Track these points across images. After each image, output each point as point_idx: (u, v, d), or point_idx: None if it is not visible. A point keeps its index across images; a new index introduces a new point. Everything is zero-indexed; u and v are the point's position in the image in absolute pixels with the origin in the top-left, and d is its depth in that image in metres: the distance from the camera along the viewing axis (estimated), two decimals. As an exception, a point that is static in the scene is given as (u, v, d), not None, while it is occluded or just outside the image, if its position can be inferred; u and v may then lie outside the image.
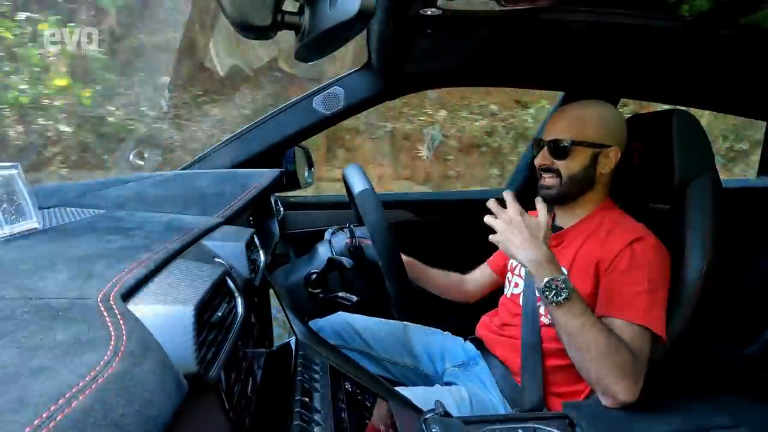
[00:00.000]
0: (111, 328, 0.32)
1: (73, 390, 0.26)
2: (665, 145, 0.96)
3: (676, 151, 0.94)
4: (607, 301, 0.86)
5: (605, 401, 0.81)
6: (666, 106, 1.30)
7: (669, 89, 1.32)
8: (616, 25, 0.96)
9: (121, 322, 0.33)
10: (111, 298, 0.35)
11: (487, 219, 0.86)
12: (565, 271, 0.96)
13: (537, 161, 0.99)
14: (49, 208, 0.68)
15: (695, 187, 0.93)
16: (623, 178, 1.02)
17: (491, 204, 0.87)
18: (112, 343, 0.31)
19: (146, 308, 0.37)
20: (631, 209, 1.01)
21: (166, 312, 0.36)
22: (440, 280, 1.20)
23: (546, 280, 0.79)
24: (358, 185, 0.87)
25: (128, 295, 0.37)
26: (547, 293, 0.79)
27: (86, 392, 0.26)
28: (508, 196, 0.86)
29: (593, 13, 0.93)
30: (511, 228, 0.82)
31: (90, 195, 0.75)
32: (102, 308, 0.34)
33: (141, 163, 1.39)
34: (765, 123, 1.77)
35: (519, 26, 0.87)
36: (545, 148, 0.98)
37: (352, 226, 1.00)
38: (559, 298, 0.78)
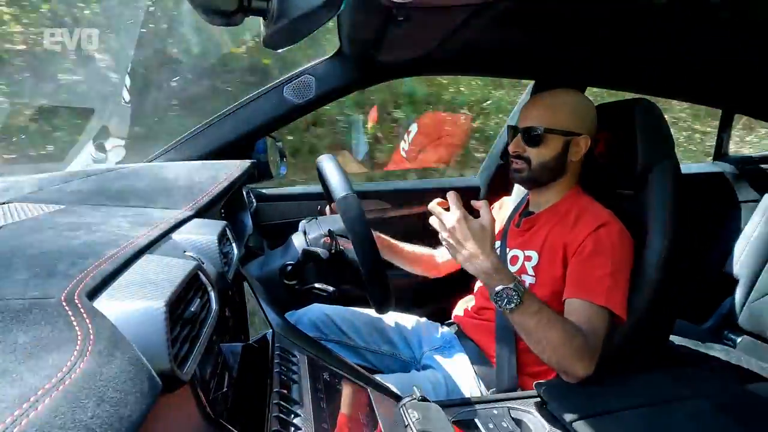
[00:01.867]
0: (77, 328, 0.31)
1: (39, 393, 0.25)
2: (629, 133, 1.00)
3: (639, 138, 0.98)
4: (573, 283, 0.90)
5: (566, 379, 0.85)
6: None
7: (632, 78, 1.37)
8: (584, 15, 0.98)
9: (87, 321, 0.32)
10: (76, 297, 0.34)
11: (432, 221, 0.85)
12: (536, 256, 0.99)
13: (510, 148, 1.02)
14: (4, 204, 0.65)
15: (656, 173, 0.98)
16: (592, 165, 1.06)
17: (432, 206, 0.85)
18: (79, 343, 0.29)
19: (114, 306, 0.35)
20: (600, 195, 1.04)
21: (136, 309, 0.35)
22: (411, 255, 1.23)
23: (497, 289, 0.80)
24: (338, 188, 0.86)
25: (94, 293, 0.36)
26: (499, 302, 0.81)
27: (53, 395, 0.25)
28: (451, 197, 0.83)
29: (561, 3, 0.95)
30: (455, 237, 0.81)
31: (49, 190, 0.71)
32: (66, 308, 0.32)
33: (103, 155, 1.33)
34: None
35: (489, 16, 0.88)
36: (519, 135, 1.00)
37: (330, 228, 0.99)
38: (511, 305, 0.80)
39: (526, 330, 0.83)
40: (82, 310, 0.33)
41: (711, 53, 1.18)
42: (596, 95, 2.04)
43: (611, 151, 1.06)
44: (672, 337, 1.37)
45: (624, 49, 1.15)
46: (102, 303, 0.35)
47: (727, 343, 1.53)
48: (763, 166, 1.78)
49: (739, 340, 1.52)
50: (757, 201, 1.58)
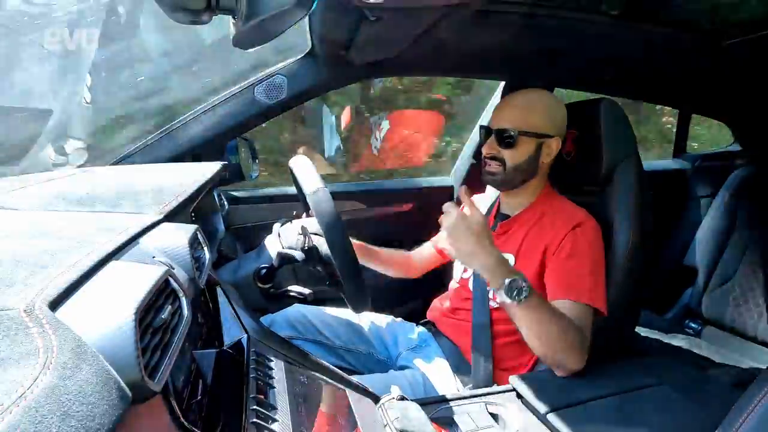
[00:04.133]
0: (39, 341, 0.29)
1: (-3, 410, 0.23)
2: (594, 132, 1.03)
3: (604, 137, 1.02)
4: (556, 284, 0.92)
5: (558, 372, 0.88)
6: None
7: (597, 79, 1.42)
8: (551, 17, 1.01)
9: (50, 332, 0.30)
10: (36, 308, 0.32)
11: (442, 220, 0.87)
12: (512, 258, 1.01)
13: (484, 150, 1.02)
14: (-47, 211, 0.61)
15: (621, 170, 1.02)
16: (561, 163, 1.09)
17: (446, 207, 0.86)
18: (41, 356, 0.28)
19: (79, 316, 0.34)
20: (567, 191, 1.08)
21: (102, 318, 0.34)
22: (387, 258, 1.23)
23: (508, 281, 0.81)
24: (310, 184, 0.85)
25: (57, 302, 0.34)
26: (509, 293, 0.81)
27: (13, 411, 0.24)
28: (447, 206, 0.85)
29: (529, 5, 0.97)
30: (457, 235, 0.83)
31: (4, 195, 0.67)
32: (27, 319, 0.31)
33: (63, 158, 1.27)
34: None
35: (460, 16, 0.89)
36: (492, 136, 1.01)
37: (303, 224, 0.98)
38: (521, 296, 0.81)
39: (529, 323, 0.84)
40: (43, 321, 0.31)
41: (667, 58, 1.24)
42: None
43: (578, 149, 1.09)
44: (637, 328, 1.43)
45: (587, 51, 1.19)
46: (65, 313, 0.34)
47: (688, 332, 1.61)
48: (718, 163, 1.89)
49: (699, 328, 1.60)
50: (713, 196, 1.67)
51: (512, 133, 0.98)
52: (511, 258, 1.01)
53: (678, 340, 1.50)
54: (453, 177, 1.66)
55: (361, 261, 1.16)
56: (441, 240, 0.87)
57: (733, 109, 1.72)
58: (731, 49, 1.19)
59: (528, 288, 0.82)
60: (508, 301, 0.82)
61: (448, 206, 0.85)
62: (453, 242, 0.84)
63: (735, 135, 1.88)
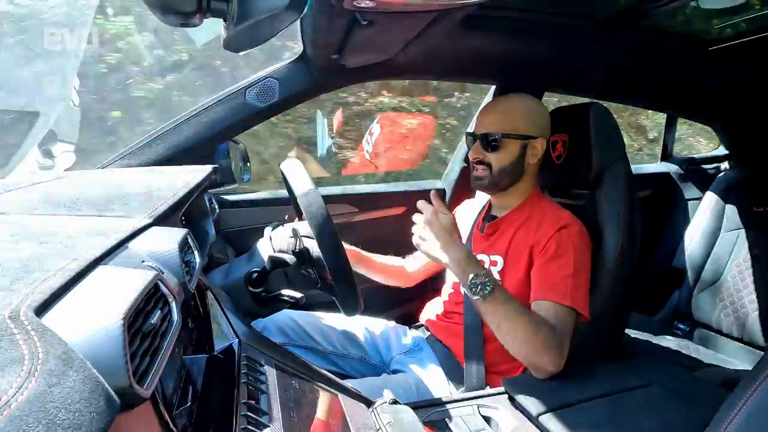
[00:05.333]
0: (23, 347, 0.29)
1: (-20, 420, 0.23)
2: (584, 136, 1.04)
3: (594, 142, 1.03)
4: (538, 285, 0.93)
5: (536, 374, 0.88)
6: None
7: (586, 83, 1.44)
8: (541, 23, 1.02)
9: (35, 339, 0.30)
10: (22, 314, 0.31)
11: (415, 219, 0.92)
12: (500, 260, 1.01)
13: (470, 155, 1.04)
14: (-64, 215, 0.59)
15: (610, 174, 1.03)
16: (550, 166, 1.10)
17: (421, 204, 0.91)
18: (26, 363, 0.27)
19: (66, 322, 0.33)
20: (557, 194, 1.09)
21: (90, 324, 0.33)
22: (379, 265, 1.23)
23: (471, 277, 0.84)
24: (300, 186, 0.85)
25: (42, 308, 0.34)
26: (473, 289, 0.84)
27: (-4, 421, 0.23)
28: (433, 197, 0.90)
29: (519, 11, 0.98)
30: (428, 232, 0.88)
31: (-11, 199, 0.66)
32: (11, 326, 0.30)
33: (50, 161, 1.25)
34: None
35: (452, 20, 0.90)
36: (477, 141, 1.02)
37: (294, 226, 0.97)
38: (485, 291, 0.83)
39: (496, 320, 0.85)
40: (29, 328, 0.30)
41: (653, 63, 1.26)
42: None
43: (567, 153, 1.11)
44: (627, 330, 1.44)
45: (576, 56, 1.21)
46: (52, 319, 0.33)
47: (677, 333, 1.63)
48: (704, 166, 1.92)
49: (688, 330, 1.62)
50: (701, 199, 1.70)
51: (496, 137, 1.00)
52: (499, 260, 1.01)
53: (667, 342, 1.52)
54: (444, 181, 1.67)
55: (356, 268, 1.16)
56: (414, 237, 0.90)
57: (719, 112, 1.75)
58: (716, 54, 1.22)
59: (491, 283, 0.84)
60: (472, 296, 0.85)
61: (422, 204, 0.90)
62: (425, 237, 0.88)
63: (721, 138, 1.91)
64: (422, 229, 0.89)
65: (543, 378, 0.88)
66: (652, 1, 0.99)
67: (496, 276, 1.01)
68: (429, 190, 1.64)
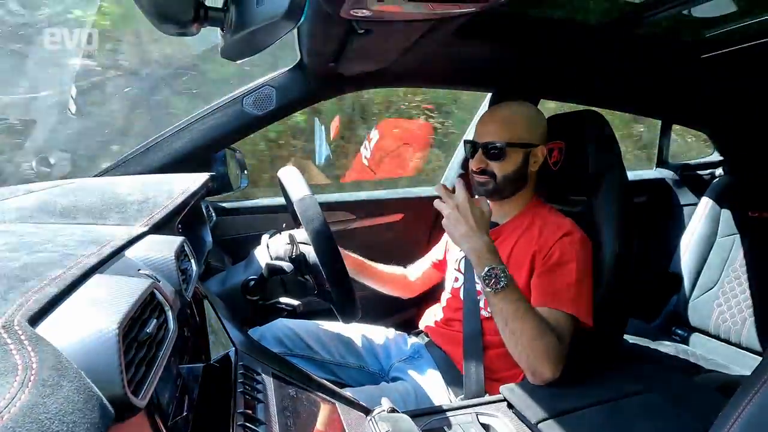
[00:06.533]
0: (17, 357, 0.28)
1: (-28, 432, 0.22)
2: (580, 143, 1.05)
3: (590, 148, 1.04)
4: (541, 292, 0.93)
5: (532, 379, 0.88)
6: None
7: (582, 90, 1.45)
8: (536, 31, 1.03)
9: (29, 349, 0.29)
10: (15, 323, 0.31)
11: (437, 203, 0.90)
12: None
13: (473, 165, 1.03)
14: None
15: (606, 180, 1.03)
16: (547, 173, 1.10)
17: (439, 190, 0.91)
18: (19, 373, 0.27)
19: (60, 331, 0.33)
20: (553, 200, 1.09)
21: (84, 333, 0.33)
22: (382, 275, 1.22)
23: (487, 268, 0.84)
24: (297, 192, 0.85)
25: (37, 317, 0.33)
26: (487, 281, 0.84)
27: (-12, 432, 0.23)
28: (458, 183, 0.90)
29: (514, 19, 1.00)
30: (458, 216, 0.87)
31: (-17, 208, 0.66)
32: (5, 335, 0.30)
33: (47, 170, 1.24)
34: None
35: (448, 29, 0.91)
36: (480, 150, 1.02)
37: (291, 233, 0.97)
38: (498, 286, 0.83)
39: (505, 316, 0.85)
40: (22, 337, 0.30)
41: (648, 71, 1.28)
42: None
43: (564, 159, 1.11)
44: (625, 336, 1.44)
45: (573, 62, 1.22)
46: (46, 328, 0.33)
47: (675, 338, 1.63)
48: (699, 172, 1.93)
49: (686, 335, 1.62)
50: (696, 204, 1.71)
51: (499, 146, 0.99)
52: None
53: (665, 347, 1.51)
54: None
55: (358, 277, 1.15)
56: (444, 219, 0.89)
57: (712, 119, 1.77)
58: (708, 62, 1.23)
59: (506, 279, 0.84)
60: (485, 287, 0.85)
61: (459, 183, 0.89)
62: (452, 221, 0.88)
63: (715, 144, 1.93)
64: (451, 210, 0.88)
65: (539, 384, 0.87)
66: (646, 10, 1.00)
67: None
68: (426, 197, 1.65)
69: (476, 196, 0.93)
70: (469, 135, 1.40)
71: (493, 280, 0.84)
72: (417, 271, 1.26)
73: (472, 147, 1.04)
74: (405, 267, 1.29)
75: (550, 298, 0.91)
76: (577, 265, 0.93)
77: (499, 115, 1.04)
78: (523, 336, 0.84)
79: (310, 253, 0.92)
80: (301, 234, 0.97)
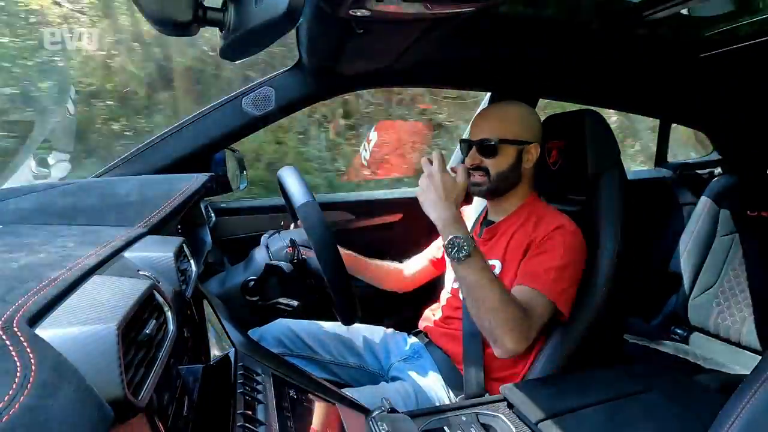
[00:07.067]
0: (16, 359, 0.28)
1: (-29, 433, 0.22)
2: (579, 142, 1.05)
3: (589, 148, 1.04)
4: (521, 273, 0.95)
5: (496, 351, 0.89)
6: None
7: (581, 90, 1.45)
8: (536, 30, 1.03)
9: (28, 350, 0.29)
10: (15, 324, 0.31)
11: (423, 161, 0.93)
12: (498, 265, 1.01)
13: (467, 162, 1.05)
14: (-71, 225, 0.59)
15: (605, 180, 1.04)
16: (547, 172, 1.10)
17: (423, 160, 0.93)
18: (19, 374, 0.27)
19: (60, 332, 0.33)
20: (553, 199, 1.09)
21: (84, 334, 0.33)
22: (377, 271, 1.23)
23: (450, 237, 0.85)
24: (299, 196, 0.84)
25: (36, 319, 0.33)
26: (449, 249, 0.85)
27: (-12, 434, 0.23)
28: (435, 154, 0.92)
29: (513, 19, 0.99)
30: (429, 184, 0.89)
31: (-18, 209, 0.66)
32: (4, 337, 0.30)
33: (45, 170, 1.24)
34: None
35: (447, 29, 0.91)
36: (474, 148, 1.03)
37: (292, 236, 0.97)
38: (461, 255, 0.85)
39: (469, 285, 0.86)
40: (21, 339, 0.30)
41: (647, 70, 1.28)
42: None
43: (563, 159, 1.11)
44: (625, 335, 1.44)
45: (572, 62, 1.22)
46: (45, 329, 0.33)
47: (675, 338, 1.63)
48: (698, 171, 1.93)
49: (686, 334, 1.62)
50: (695, 203, 1.71)
51: (492, 142, 1.01)
52: (498, 264, 1.01)
53: (665, 347, 1.52)
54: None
55: (353, 272, 1.15)
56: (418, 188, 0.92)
57: (711, 118, 1.77)
58: (707, 61, 1.23)
59: (469, 248, 0.85)
60: (448, 258, 0.86)
61: (436, 155, 0.91)
62: (423, 188, 0.90)
63: (714, 144, 1.93)
64: (424, 179, 0.90)
65: (502, 356, 0.88)
66: (645, 9, 1.00)
67: None
68: None
69: (459, 169, 0.94)
70: (465, 135, 1.40)
71: (456, 249, 0.85)
72: (413, 267, 1.26)
73: (467, 145, 1.05)
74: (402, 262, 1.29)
75: (528, 278, 0.93)
76: (563, 252, 0.94)
77: (492, 113, 1.06)
78: (485, 304, 0.85)
79: (310, 256, 0.92)
80: (300, 234, 0.97)
